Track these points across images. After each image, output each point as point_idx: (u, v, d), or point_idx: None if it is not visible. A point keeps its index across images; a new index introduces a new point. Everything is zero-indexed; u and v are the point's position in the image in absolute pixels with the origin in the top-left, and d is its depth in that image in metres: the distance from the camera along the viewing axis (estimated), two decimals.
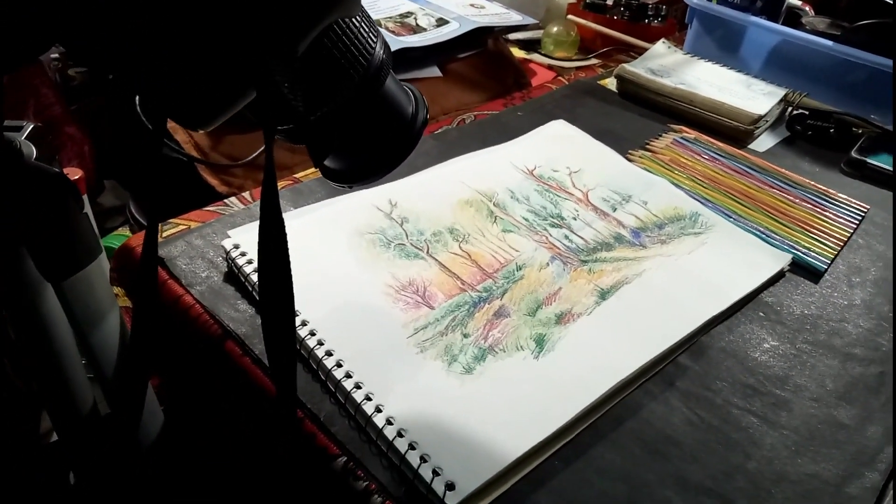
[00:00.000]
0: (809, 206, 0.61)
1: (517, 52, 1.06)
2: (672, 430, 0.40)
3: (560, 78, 0.86)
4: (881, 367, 0.46)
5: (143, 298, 0.31)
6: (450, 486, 0.34)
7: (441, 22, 0.79)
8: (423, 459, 0.36)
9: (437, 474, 0.35)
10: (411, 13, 0.80)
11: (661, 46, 0.87)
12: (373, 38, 0.32)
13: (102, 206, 0.76)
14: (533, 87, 0.84)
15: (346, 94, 0.31)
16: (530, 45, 1.12)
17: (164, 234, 0.51)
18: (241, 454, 0.45)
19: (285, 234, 0.26)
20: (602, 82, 0.83)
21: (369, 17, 0.32)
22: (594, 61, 1.06)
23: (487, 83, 0.88)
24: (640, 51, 0.94)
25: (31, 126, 0.34)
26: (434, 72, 0.79)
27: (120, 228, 0.72)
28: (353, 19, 0.30)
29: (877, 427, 0.41)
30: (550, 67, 1.06)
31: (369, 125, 0.34)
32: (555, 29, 1.08)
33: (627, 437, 0.39)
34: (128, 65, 0.23)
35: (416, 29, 0.77)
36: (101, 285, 0.34)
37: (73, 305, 0.33)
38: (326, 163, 0.36)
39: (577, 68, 0.97)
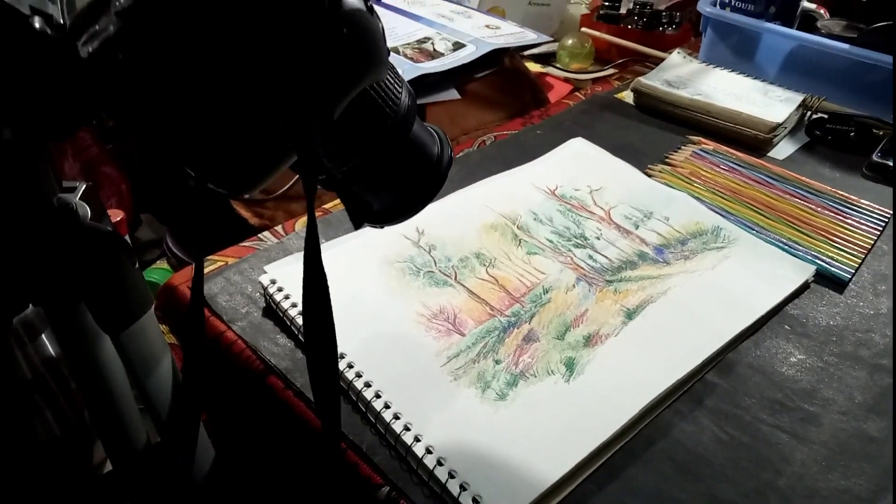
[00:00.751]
0: (831, 213, 0.62)
1: (533, 67, 1.08)
2: (703, 449, 0.41)
3: (577, 93, 0.87)
4: None
5: (191, 342, 0.33)
6: None
7: (458, 46, 0.81)
8: (462, 487, 0.37)
9: (477, 502, 0.36)
10: (428, 38, 0.82)
11: (676, 57, 0.88)
12: (398, 86, 0.34)
13: (140, 239, 0.79)
14: (551, 104, 0.85)
15: (377, 143, 0.33)
16: (545, 59, 1.13)
17: (204, 272, 0.54)
18: (289, 485, 0.47)
19: (327, 287, 0.28)
20: (619, 95, 0.85)
21: (393, 66, 0.34)
22: (611, 72, 1.07)
23: (505, 101, 0.90)
24: (656, 60, 0.95)
25: (84, 186, 0.36)
26: (453, 94, 0.80)
27: (158, 262, 0.74)
28: None
29: None
30: (567, 80, 1.07)
31: (399, 169, 0.36)
32: (569, 41, 1.09)
33: (659, 458, 0.40)
34: (173, 141, 0.24)
35: (434, 54, 0.79)
36: (153, 332, 0.36)
37: (128, 351, 0.35)
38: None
39: (594, 81, 0.98)
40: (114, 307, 0.33)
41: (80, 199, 0.35)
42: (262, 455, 0.50)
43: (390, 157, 0.35)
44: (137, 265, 0.34)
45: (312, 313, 0.29)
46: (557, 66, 1.10)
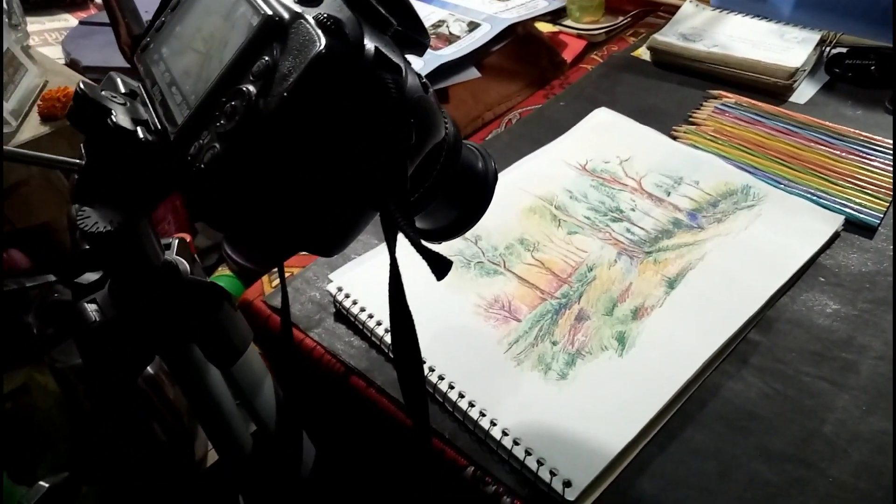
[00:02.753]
0: (856, 157, 0.64)
1: (544, 27, 1.08)
2: (752, 406, 0.45)
3: (594, 55, 0.88)
4: None
5: (286, 365, 0.38)
6: (567, 484, 0.41)
7: (472, 26, 0.82)
8: (539, 462, 0.42)
9: (555, 474, 0.41)
10: (443, 21, 0.84)
11: (688, 6, 0.88)
12: (444, 117, 0.37)
13: (198, 247, 0.84)
14: (569, 71, 0.86)
15: (434, 176, 0.36)
16: (556, 15, 1.13)
17: (273, 284, 0.58)
18: (382, 472, 0.53)
19: (412, 320, 0.32)
20: (636, 53, 0.86)
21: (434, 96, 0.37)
22: (623, 23, 1.07)
23: (523, 69, 0.91)
24: (668, 8, 0.95)
25: (177, 241, 0.40)
26: (473, 73, 0.82)
27: (220, 268, 0.79)
28: None
29: None
30: (580, 36, 1.07)
31: (453, 192, 0.40)
32: None
33: (712, 417, 0.45)
34: (274, 229, 0.28)
35: (451, 38, 0.81)
36: (255, 359, 0.41)
37: (236, 379, 0.41)
38: (418, 224, 0.42)
39: (608, 38, 0.99)
40: (222, 347, 0.38)
41: (176, 253, 0.40)
42: (354, 447, 0.55)
43: (446, 184, 0.38)
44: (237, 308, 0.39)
45: (400, 345, 0.33)
46: (569, 22, 1.11)
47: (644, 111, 0.74)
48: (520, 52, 0.92)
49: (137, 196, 0.33)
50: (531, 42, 0.94)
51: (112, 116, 0.29)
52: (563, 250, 0.57)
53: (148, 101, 0.32)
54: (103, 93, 0.31)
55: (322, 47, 0.25)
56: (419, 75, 0.29)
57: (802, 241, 0.56)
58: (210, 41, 0.30)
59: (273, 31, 0.26)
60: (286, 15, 0.27)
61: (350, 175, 0.28)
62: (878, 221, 0.57)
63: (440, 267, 0.30)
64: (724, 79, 0.77)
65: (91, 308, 0.36)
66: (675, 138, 0.69)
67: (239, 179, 0.26)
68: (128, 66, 0.85)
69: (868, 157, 0.64)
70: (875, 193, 0.60)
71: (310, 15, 0.26)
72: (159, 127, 0.30)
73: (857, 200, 0.59)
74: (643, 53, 0.85)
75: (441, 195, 0.38)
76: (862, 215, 0.58)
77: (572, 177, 0.65)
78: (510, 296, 0.53)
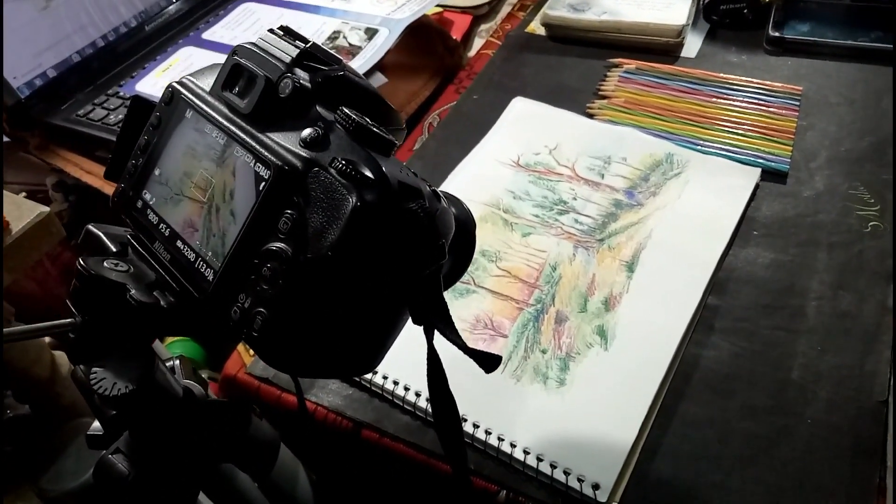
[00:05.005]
0: (755, 105, 0.70)
1: (428, 10, 1.07)
2: (728, 368, 0.51)
3: (491, 39, 0.89)
4: (859, 245, 0.57)
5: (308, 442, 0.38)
6: (596, 486, 0.45)
7: (370, 32, 0.81)
8: (566, 473, 0.46)
9: (582, 480, 0.45)
10: (338, 32, 0.82)
11: None
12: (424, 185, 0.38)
13: None
14: (472, 60, 0.87)
15: None
16: None
17: (252, 353, 0.58)
18: None
19: (454, 402, 0.34)
20: (530, 29, 0.88)
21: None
22: None
23: (423, 61, 0.91)
24: None
25: (177, 360, 0.40)
26: (381, 79, 0.82)
27: None
28: None
29: (870, 304, 0.53)
30: (464, 11, 1.08)
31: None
32: None
33: (698, 388, 0.50)
34: (320, 363, 0.29)
35: (352, 50, 0.79)
36: (285, 453, 0.42)
37: (274, 480, 0.41)
38: None
39: (492, 9, 1.00)
40: (258, 458, 0.38)
41: (183, 376, 0.39)
42: (379, 500, 0.57)
43: None
44: (260, 415, 0.39)
45: (443, 424, 0.35)
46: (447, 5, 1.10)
47: (554, 90, 0.76)
48: (416, 45, 0.91)
49: (148, 345, 0.33)
50: (424, 31, 0.94)
51: (130, 293, 0.28)
52: (523, 254, 0.60)
53: (149, 257, 0.31)
54: (105, 264, 0.29)
55: (356, 200, 0.25)
56: (427, 182, 0.30)
57: (730, 199, 0.61)
58: (208, 189, 0.29)
59: (290, 183, 0.26)
60: (299, 164, 0.26)
61: (393, 302, 0.28)
62: (787, 167, 0.64)
63: (489, 364, 0.32)
64: (619, 45, 0.81)
65: (118, 459, 0.35)
66: (591, 116, 0.73)
67: (292, 336, 0.26)
68: (8, 139, 0.78)
69: (765, 103, 0.70)
70: (779, 139, 0.66)
71: (325, 160, 0.26)
72: (175, 287, 0.29)
73: (766, 149, 0.65)
74: (537, 29, 0.87)
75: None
76: (773, 164, 0.64)
77: (510, 175, 0.67)
78: (489, 312, 0.56)
